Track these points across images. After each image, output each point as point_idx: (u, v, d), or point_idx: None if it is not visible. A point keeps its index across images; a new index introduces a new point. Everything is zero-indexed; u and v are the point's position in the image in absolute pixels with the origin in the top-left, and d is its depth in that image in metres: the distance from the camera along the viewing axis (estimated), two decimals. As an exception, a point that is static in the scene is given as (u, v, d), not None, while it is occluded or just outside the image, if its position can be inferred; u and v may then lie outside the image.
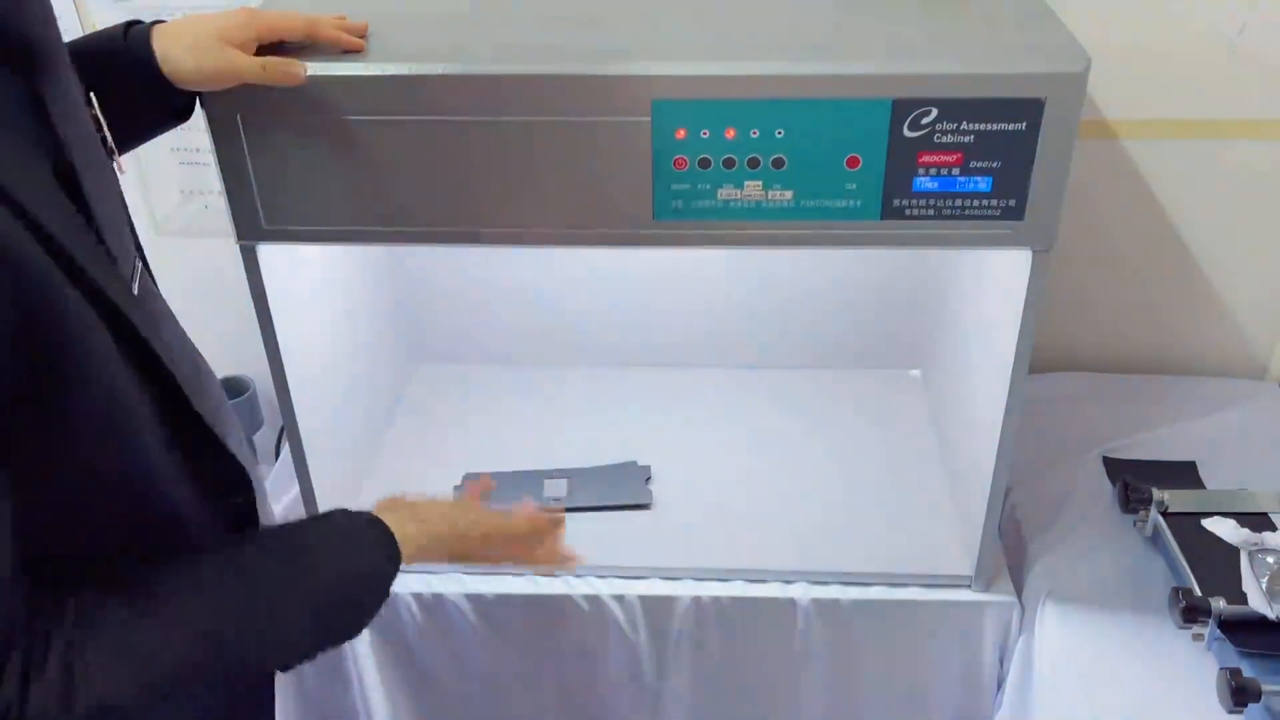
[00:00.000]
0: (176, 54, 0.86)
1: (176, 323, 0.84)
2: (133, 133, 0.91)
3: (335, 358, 1.28)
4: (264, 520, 0.94)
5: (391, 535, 0.79)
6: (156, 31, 0.86)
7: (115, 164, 0.76)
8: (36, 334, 0.57)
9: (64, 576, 0.63)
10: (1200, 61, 1.34)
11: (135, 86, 0.86)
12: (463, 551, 0.89)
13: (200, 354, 0.87)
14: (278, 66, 0.89)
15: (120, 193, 0.76)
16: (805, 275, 1.52)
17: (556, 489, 1.34)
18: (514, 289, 1.55)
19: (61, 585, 0.63)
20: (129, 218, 0.78)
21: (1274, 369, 1.55)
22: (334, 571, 0.75)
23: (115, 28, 0.87)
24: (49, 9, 0.65)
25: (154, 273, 0.84)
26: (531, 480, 1.35)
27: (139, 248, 0.79)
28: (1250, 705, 0.99)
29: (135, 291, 0.72)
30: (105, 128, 0.75)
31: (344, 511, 0.81)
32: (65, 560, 0.65)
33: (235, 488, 0.81)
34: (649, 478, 1.36)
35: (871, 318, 1.55)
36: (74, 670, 0.60)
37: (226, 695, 0.82)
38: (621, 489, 1.34)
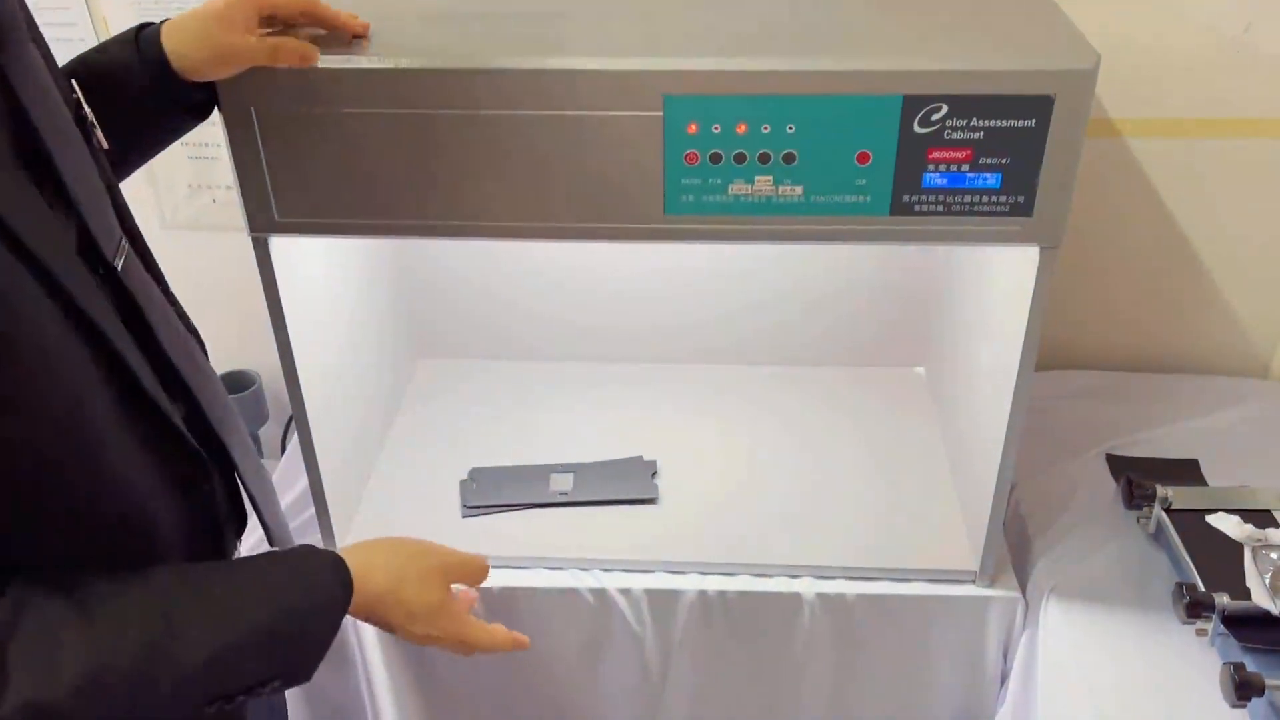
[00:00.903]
0: (185, 48, 0.86)
1: (168, 309, 0.82)
2: (155, 137, 0.92)
3: (342, 351, 1.28)
4: (269, 516, 0.93)
5: (349, 579, 0.78)
6: (165, 29, 0.87)
7: (96, 141, 0.75)
8: None
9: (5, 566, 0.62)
10: (1205, 60, 1.35)
11: (152, 88, 0.86)
12: (401, 630, 0.85)
13: (195, 343, 0.86)
14: (291, 49, 0.89)
15: (101, 171, 0.75)
16: (811, 273, 1.52)
17: (563, 483, 1.35)
18: (519, 284, 1.55)
19: (2, 575, 0.62)
20: (116, 198, 0.77)
21: (1276, 367, 1.56)
22: (286, 601, 0.73)
23: (128, 32, 0.88)
24: None
25: (157, 259, 0.84)
26: (538, 474, 1.36)
27: (130, 228, 0.78)
28: (1254, 700, 1.00)
29: (119, 267, 0.71)
30: (85, 105, 0.74)
31: (309, 548, 0.80)
32: (6, 549, 0.64)
33: (197, 478, 0.78)
34: (655, 472, 1.36)
35: (876, 316, 1.55)
36: (5, 663, 0.59)
37: None
38: (628, 483, 1.35)
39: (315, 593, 0.76)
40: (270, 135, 0.96)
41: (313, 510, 1.22)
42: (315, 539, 1.24)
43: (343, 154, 0.97)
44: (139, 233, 0.80)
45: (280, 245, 1.05)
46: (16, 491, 0.62)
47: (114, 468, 0.68)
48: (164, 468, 0.74)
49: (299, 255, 1.11)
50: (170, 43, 0.86)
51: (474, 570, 0.92)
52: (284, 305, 1.07)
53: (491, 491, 1.34)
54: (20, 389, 0.60)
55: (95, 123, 0.75)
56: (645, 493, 1.33)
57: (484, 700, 1.31)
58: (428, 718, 1.31)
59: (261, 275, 1.05)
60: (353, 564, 0.79)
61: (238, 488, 0.88)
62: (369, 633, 1.26)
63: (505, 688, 1.30)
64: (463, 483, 1.35)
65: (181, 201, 1.54)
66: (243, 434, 0.89)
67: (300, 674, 0.75)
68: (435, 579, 0.86)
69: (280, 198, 0.99)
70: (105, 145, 0.77)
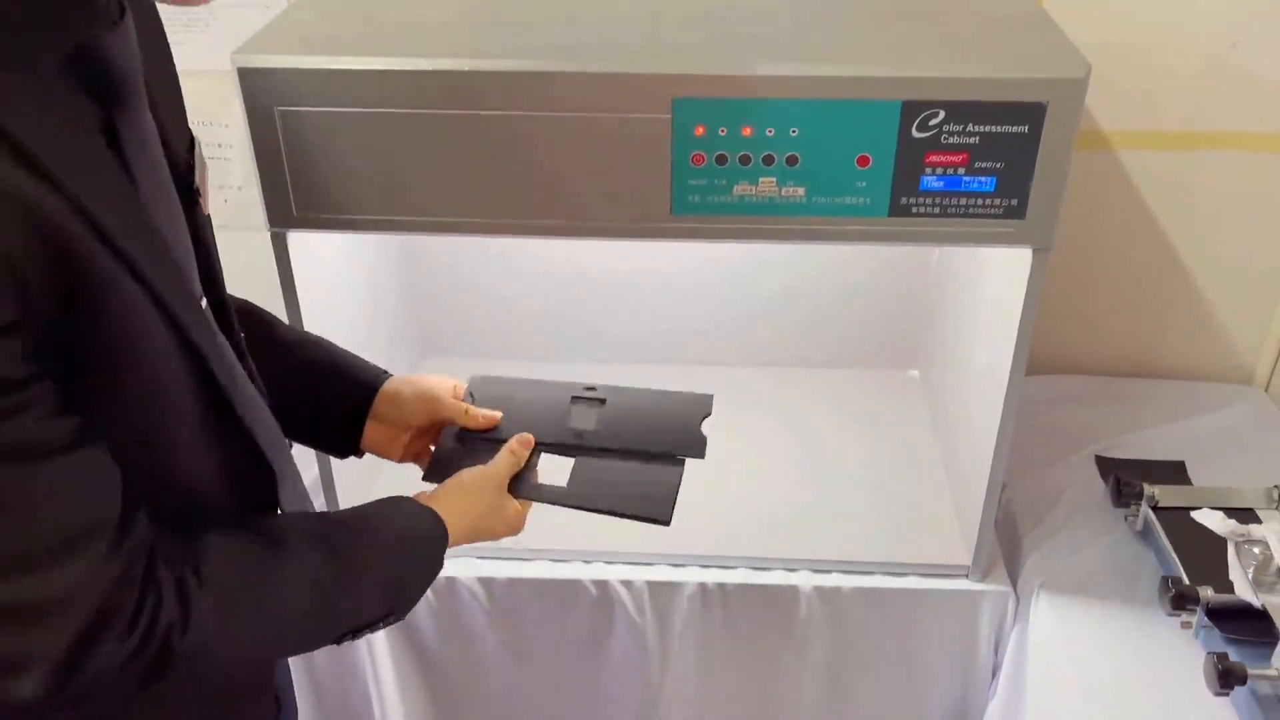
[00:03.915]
0: (402, 385, 1.01)
1: (239, 365, 0.84)
2: (299, 416, 0.96)
3: (351, 347, 1.31)
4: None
5: (442, 521, 0.88)
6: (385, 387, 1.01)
7: (200, 206, 0.79)
8: (83, 316, 0.60)
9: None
10: (1193, 75, 1.40)
11: (341, 410, 0.99)
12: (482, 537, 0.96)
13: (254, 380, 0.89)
14: (476, 414, 1.02)
15: (190, 233, 0.77)
16: (807, 277, 1.56)
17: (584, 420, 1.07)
18: (522, 286, 1.58)
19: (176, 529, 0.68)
20: (207, 260, 0.80)
21: (1260, 374, 1.60)
22: (399, 541, 0.83)
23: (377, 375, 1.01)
24: (133, 43, 0.67)
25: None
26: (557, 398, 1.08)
27: (214, 279, 0.81)
28: (1237, 688, 1.03)
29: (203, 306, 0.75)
30: (195, 171, 0.78)
31: (400, 498, 0.89)
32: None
33: (263, 484, 0.82)
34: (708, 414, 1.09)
35: (871, 320, 1.59)
36: (227, 588, 0.67)
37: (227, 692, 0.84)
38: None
39: (430, 541, 0.86)
40: (291, 134, 0.99)
41: (321, 500, 1.24)
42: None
43: (360, 152, 1.00)
44: (222, 293, 0.84)
45: (296, 241, 1.08)
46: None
47: (184, 463, 0.73)
48: (231, 471, 0.77)
49: (313, 253, 1.14)
50: (390, 385, 1.00)
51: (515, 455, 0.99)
52: (299, 301, 1.10)
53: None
54: (115, 376, 0.65)
55: (201, 191, 0.79)
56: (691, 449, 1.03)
57: (488, 691, 1.34)
58: (433, 707, 1.33)
59: (279, 269, 1.08)
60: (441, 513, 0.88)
61: None
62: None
63: (509, 678, 1.33)
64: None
65: (193, 201, 1.57)
66: (301, 491, 0.91)
67: (404, 612, 0.85)
68: (498, 500, 0.95)
69: (299, 194, 1.03)
70: (207, 212, 0.81)
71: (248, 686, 0.86)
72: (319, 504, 1.28)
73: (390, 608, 0.82)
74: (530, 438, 0.99)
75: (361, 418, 0.99)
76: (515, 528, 0.97)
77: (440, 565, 0.87)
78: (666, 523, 0.96)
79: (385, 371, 1.03)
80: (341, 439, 1.00)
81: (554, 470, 1.00)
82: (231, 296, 0.98)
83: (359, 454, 1.01)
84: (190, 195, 0.76)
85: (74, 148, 0.60)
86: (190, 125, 0.80)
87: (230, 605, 0.68)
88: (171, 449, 0.70)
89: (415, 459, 1.03)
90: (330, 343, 1.03)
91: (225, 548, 0.70)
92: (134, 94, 0.67)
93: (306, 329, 1.12)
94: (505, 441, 0.98)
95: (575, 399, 1.05)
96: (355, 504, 0.86)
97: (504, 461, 0.96)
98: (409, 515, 0.87)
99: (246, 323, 0.96)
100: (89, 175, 0.60)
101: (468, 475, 0.94)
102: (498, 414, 1.02)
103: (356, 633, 0.80)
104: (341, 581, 0.77)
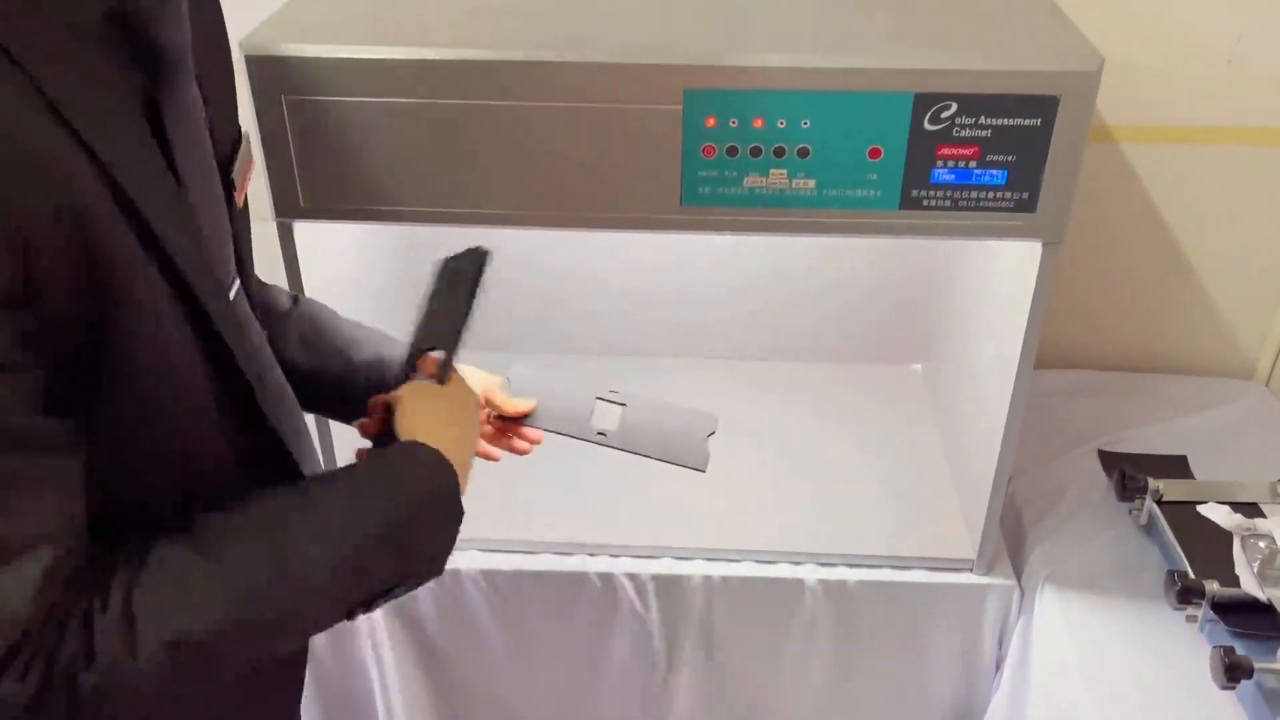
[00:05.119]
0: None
1: (267, 350, 0.83)
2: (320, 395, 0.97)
3: (357, 339, 1.31)
4: None
5: (443, 457, 0.77)
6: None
7: (236, 191, 0.77)
8: (100, 293, 0.58)
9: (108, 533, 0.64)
10: (1197, 71, 1.40)
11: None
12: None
13: (277, 366, 0.86)
14: (518, 402, 1.05)
15: (227, 211, 0.77)
16: (811, 271, 1.56)
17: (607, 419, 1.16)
18: (524, 280, 1.57)
19: (108, 539, 0.63)
20: (240, 243, 0.79)
21: (1262, 369, 1.61)
22: (401, 492, 0.74)
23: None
24: (182, 18, 0.66)
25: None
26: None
27: (244, 269, 0.80)
28: (1243, 682, 1.03)
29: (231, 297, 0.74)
30: (237, 163, 0.76)
31: (405, 446, 0.79)
32: (107, 519, 0.65)
33: (284, 471, 0.80)
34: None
35: (875, 315, 1.59)
36: (135, 611, 0.59)
37: (253, 682, 0.80)
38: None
39: (424, 482, 0.76)
40: (299, 124, 0.98)
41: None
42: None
43: (367, 142, 0.99)
44: (250, 276, 0.82)
45: (302, 232, 1.07)
46: (115, 466, 0.64)
47: (208, 465, 0.71)
48: (251, 465, 0.75)
49: (318, 245, 1.14)
50: None
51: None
52: (304, 290, 1.09)
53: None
54: (138, 380, 0.62)
55: (237, 184, 0.77)
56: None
57: (491, 684, 1.34)
58: (438, 700, 1.33)
59: (285, 259, 1.08)
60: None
61: None
62: (379, 620, 1.28)
63: (513, 671, 1.32)
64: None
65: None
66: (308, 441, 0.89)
67: (430, 567, 0.75)
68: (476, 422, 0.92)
69: (306, 184, 1.02)
70: (240, 205, 0.79)
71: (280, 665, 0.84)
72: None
73: (401, 574, 0.73)
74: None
75: None
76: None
77: (456, 490, 0.77)
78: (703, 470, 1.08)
79: None
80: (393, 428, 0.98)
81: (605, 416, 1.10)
82: (280, 289, 1.00)
83: None
84: (226, 185, 0.75)
85: (112, 116, 0.59)
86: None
87: (149, 617, 0.60)
88: (186, 440, 0.69)
89: None
90: (384, 335, 1.01)
91: (152, 563, 0.62)
92: (179, 69, 0.66)
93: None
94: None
95: (599, 399, 1.12)
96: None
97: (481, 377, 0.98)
98: (396, 454, 0.77)
99: (302, 317, 0.98)
100: (126, 147, 0.59)
101: (441, 392, 0.88)
102: (533, 401, 1.06)
103: (369, 604, 0.73)
104: (313, 551, 0.68)
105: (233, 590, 0.64)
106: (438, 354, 0.93)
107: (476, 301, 0.98)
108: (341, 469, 0.77)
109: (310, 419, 1.16)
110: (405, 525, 0.73)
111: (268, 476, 0.76)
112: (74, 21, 0.57)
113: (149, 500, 0.68)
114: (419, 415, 0.82)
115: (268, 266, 1.06)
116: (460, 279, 0.97)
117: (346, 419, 1.02)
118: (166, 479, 0.69)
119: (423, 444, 0.77)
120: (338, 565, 0.69)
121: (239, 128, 0.79)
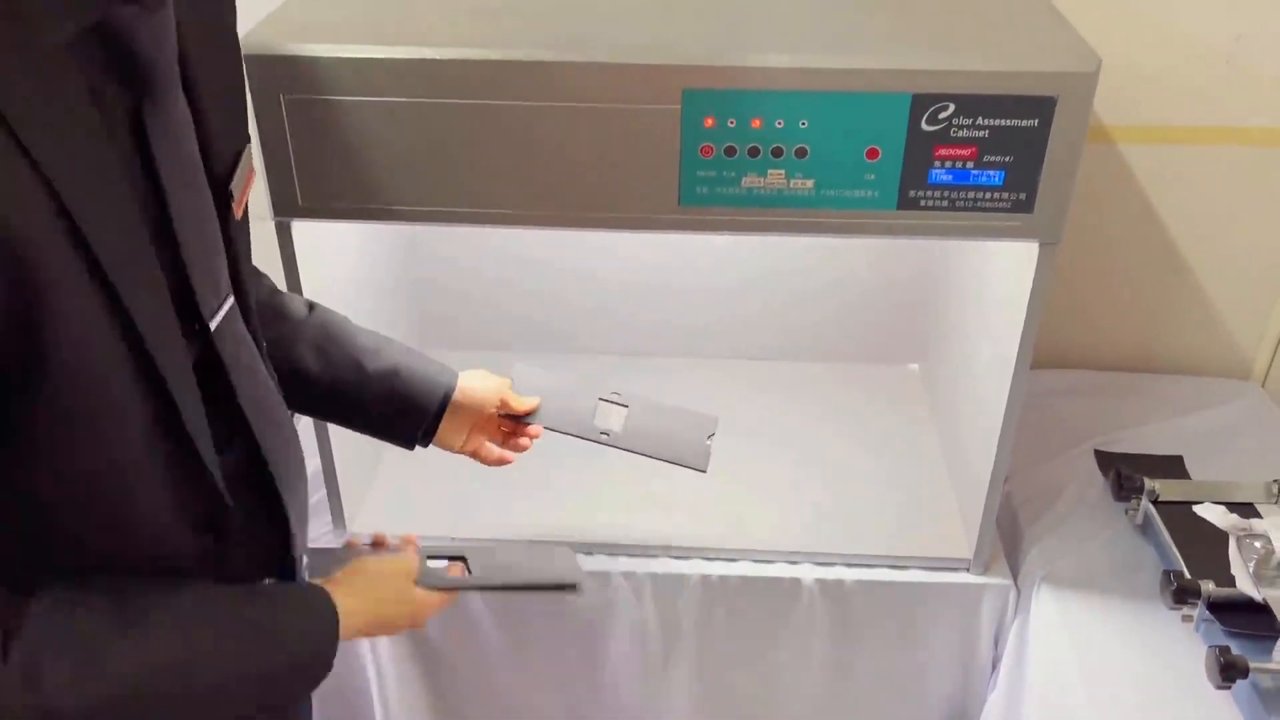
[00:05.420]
0: (476, 384, 1.06)
1: (258, 364, 0.82)
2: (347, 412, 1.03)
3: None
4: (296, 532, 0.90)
5: (336, 616, 0.80)
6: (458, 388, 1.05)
7: (234, 203, 0.76)
8: (25, 316, 0.56)
9: (28, 574, 0.64)
10: (1195, 71, 1.40)
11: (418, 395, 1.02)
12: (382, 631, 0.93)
13: (271, 382, 0.85)
14: (523, 400, 1.09)
15: (226, 231, 0.76)
16: (808, 271, 1.56)
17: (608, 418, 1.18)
18: (525, 278, 1.58)
19: (26, 583, 0.63)
20: (235, 258, 0.77)
21: (1258, 369, 1.61)
22: (287, 643, 0.77)
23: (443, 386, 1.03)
24: (167, 31, 0.65)
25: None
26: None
27: (240, 283, 0.78)
28: (1238, 682, 1.04)
29: (213, 326, 0.72)
30: (236, 174, 0.75)
31: (302, 585, 0.84)
32: (30, 559, 0.65)
33: (226, 524, 0.77)
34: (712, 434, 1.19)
35: (872, 314, 1.59)
36: (39, 668, 0.61)
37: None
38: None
39: (312, 643, 0.79)
40: (297, 122, 0.99)
41: (323, 492, 1.24)
42: (325, 521, 1.26)
43: (365, 141, 0.99)
44: (247, 292, 0.80)
45: (300, 232, 1.07)
46: (38, 501, 0.64)
47: (138, 500, 0.69)
48: (189, 509, 0.73)
49: (317, 244, 1.14)
50: (464, 383, 1.05)
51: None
52: (303, 290, 1.09)
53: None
54: (62, 404, 0.61)
55: (235, 195, 0.76)
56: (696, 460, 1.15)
57: (489, 684, 1.34)
58: (434, 699, 1.33)
59: (283, 259, 1.08)
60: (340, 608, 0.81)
61: (289, 538, 0.86)
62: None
63: (510, 670, 1.32)
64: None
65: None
66: (302, 492, 0.89)
67: (280, 712, 0.82)
68: (406, 589, 0.93)
69: (304, 183, 1.02)
70: (239, 217, 0.78)
71: None
72: (320, 495, 1.28)
73: (259, 703, 0.76)
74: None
75: (439, 414, 1.04)
76: (419, 620, 0.94)
77: (330, 659, 0.79)
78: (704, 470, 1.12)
79: (451, 369, 1.06)
80: (413, 436, 1.04)
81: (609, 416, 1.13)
82: (296, 296, 1.01)
83: (425, 445, 1.06)
84: (224, 197, 0.74)
85: (77, 143, 0.57)
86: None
87: (48, 679, 0.61)
88: (122, 482, 0.66)
89: (474, 452, 1.08)
90: (402, 345, 1.05)
91: (60, 623, 0.63)
92: (164, 82, 0.65)
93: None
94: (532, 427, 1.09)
95: (602, 400, 1.15)
96: (358, 493, 0.85)
97: (413, 554, 0.97)
98: (300, 602, 0.80)
99: (315, 324, 0.99)
100: (85, 176, 0.57)
101: (373, 563, 0.92)
102: (536, 399, 1.10)
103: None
104: (206, 674, 0.70)
105: (127, 671, 0.66)
106: (448, 563, 1.00)
107: (518, 591, 1.07)
108: (261, 591, 0.79)
109: (308, 423, 1.18)
110: (283, 679, 0.77)
111: (243, 494, 0.75)
112: (45, 38, 0.55)
113: (71, 544, 0.67)
114: (360, 576, 0.88)
115: (266, 266, 1.06)
116: (533, 579, 1.05)
117: (357, 428, 1.05)
118: (92, 519, 0.67)
119: (327, 595, 0.81)
120: (221, 685, 0.72)
121: (247, 135, 0.78)
